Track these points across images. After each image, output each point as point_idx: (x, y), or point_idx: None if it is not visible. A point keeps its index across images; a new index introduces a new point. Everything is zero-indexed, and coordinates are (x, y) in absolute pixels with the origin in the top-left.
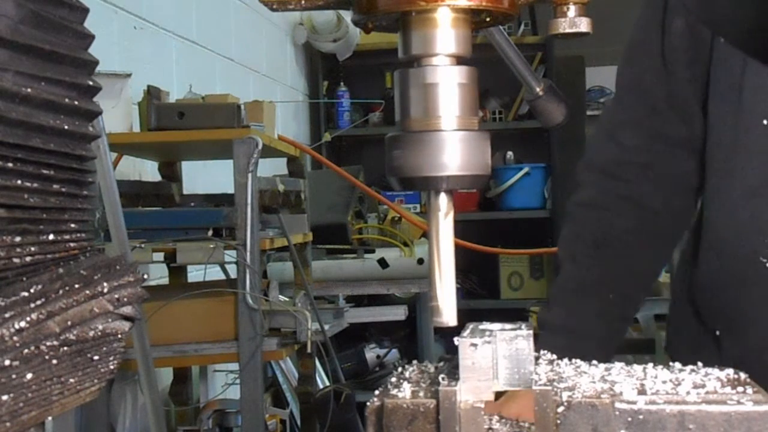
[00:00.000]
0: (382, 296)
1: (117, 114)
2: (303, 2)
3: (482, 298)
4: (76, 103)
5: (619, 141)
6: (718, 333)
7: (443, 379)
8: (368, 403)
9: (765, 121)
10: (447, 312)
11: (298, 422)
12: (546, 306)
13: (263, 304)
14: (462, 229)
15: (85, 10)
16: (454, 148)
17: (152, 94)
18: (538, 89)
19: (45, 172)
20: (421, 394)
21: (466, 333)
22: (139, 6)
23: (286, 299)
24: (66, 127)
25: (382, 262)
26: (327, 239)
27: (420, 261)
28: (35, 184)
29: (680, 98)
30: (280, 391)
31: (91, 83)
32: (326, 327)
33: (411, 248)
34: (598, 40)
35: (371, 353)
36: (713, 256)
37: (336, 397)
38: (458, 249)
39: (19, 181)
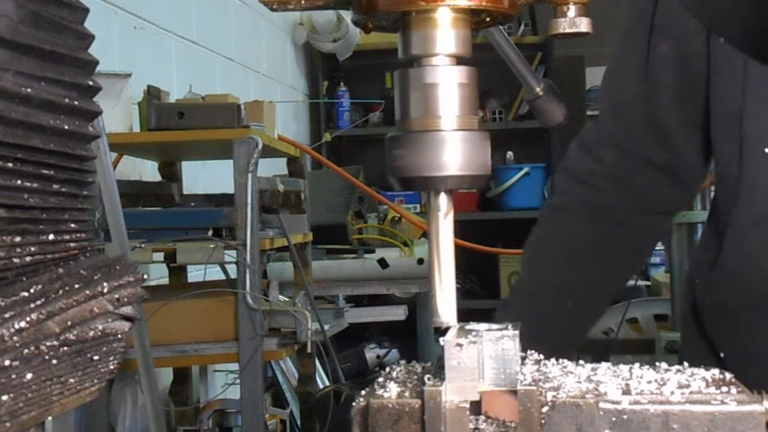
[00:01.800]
0: (382, 296)
1: (117, 114)
2: (303, 2)
3: (482, 298)
4: (76, 103)
5: (597, 157)
6: (722, 355)
7: (429, 379)
8: (354, 404)
9: (767, 150)
10: (447, 312)
11: (298, 422)
12: (504, 308)
13: (263, 304)
14: (462, 229)
15: (85, 10)
16: (454, 148)
17: (152, 94)
18: (538, 89)
19: (45, 172)
20: (407, 394)
21: (451, 333)
22: (139, 6)
23: (286, 299)
24: (66, 127)
25: (382, 262)
26: (327, 239)
27: (420, 261)
28: (35, 184)
29: (660, 123)
30: (280, 391)
31: (91, 83)
32: (326, 327)
33: (411, 248)
34: (598, 40)
35: (371, 353)
36: (727, 281)
37: (336, 397)
38: (458, 249)
39: (19, 181)
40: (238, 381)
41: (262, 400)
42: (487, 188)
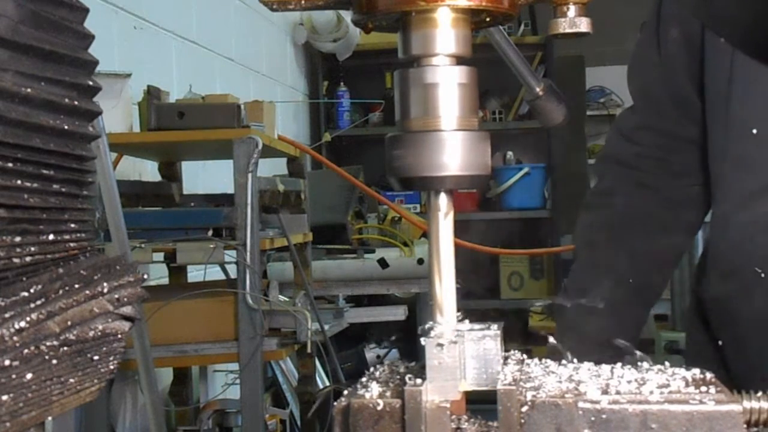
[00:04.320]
0: (382, 296)
1: (117, 114)
2: (303, 2)
3: (482, 298)
4: (76, 103)
5: (634, 141)
6: (720, 343)
7: (410, 378)
8: (335, 403)
9: (754, 131)
10: (447, 312)
11: (298, 422)
12: (563, 292)
13: (263, 304)
14: (462, 229)
15: (85, 10)
16: (454, 148)
17: (152, 94)
18: (538, 89)
19: (45, 172)
20: (388, 394)
21: (433, 333)
22: (139, 6)
23: (286, 299)
24: (66, 127)
25: (382, 262)
26: (327, 239)
27: (420, 261)
28: (35, 184)
29: (682, 98)
30: (280, 391)
31: (91, 83)
32: (326, 327)
33: (411, 248)
34: (598, 40)
35: (371, 353)
36: (715, 267)
37: (336, 397)
38: (458, 249)
39: (19, 181)
40: (238, 381)
41: (262, 400)
42: (487, 188)
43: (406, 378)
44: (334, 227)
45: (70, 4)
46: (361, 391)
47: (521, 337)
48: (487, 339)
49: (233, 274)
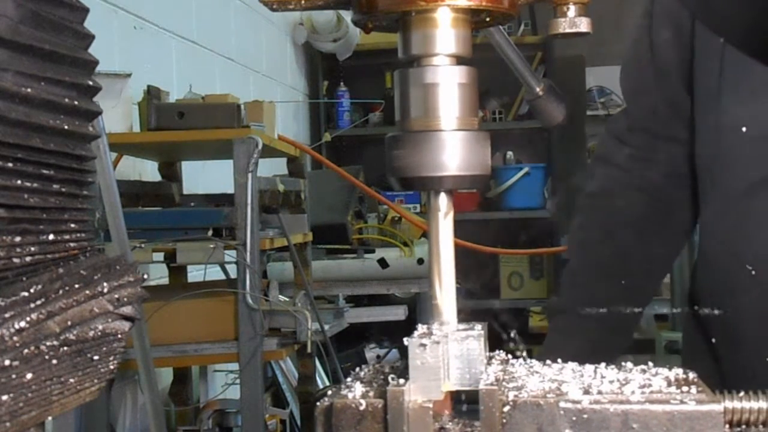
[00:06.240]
0: (382, 296)
1: (117, 114)
2: (303, 2)
3: (482, 298)
4: (76, 103)
5: (626, 142)
6: (714, 341)
7: (392, 379)
8: (318, 404)
9: (744, 128)
10: (447, 312)
11: (298, 422)
12: (555, 293)
13: (263, 304)
14: (462, 229)
15: (85, 10)
16: (454, 148)
17: (152, 94)
18: (538, 89)
19: (45, 172)
20: (371, 394)
21: (416, 333)
22: (139, 6)
23: (286, 299)
24: (66, 127)
25: (382, 262)
26: (327, 239)
27: (420, 261)
28: (35, 184)
29: (676, 101)
30: (280, 391)
31: (91, 83)
32: (326, 327)
33: (411, 248)
34: (598, 40)
35: (371, 353)
36: (706, 266)
37: None
38: (458, 249)
39: (19, 181)
40: (238, 381)
41: (262, 400)
42: (487, 188)
43: (389, 378)
44: (334, 227)
45: (70, 4)
46: (344, 391)
47: (521, 337)
48: (471, 339)
49: (233, 274)
